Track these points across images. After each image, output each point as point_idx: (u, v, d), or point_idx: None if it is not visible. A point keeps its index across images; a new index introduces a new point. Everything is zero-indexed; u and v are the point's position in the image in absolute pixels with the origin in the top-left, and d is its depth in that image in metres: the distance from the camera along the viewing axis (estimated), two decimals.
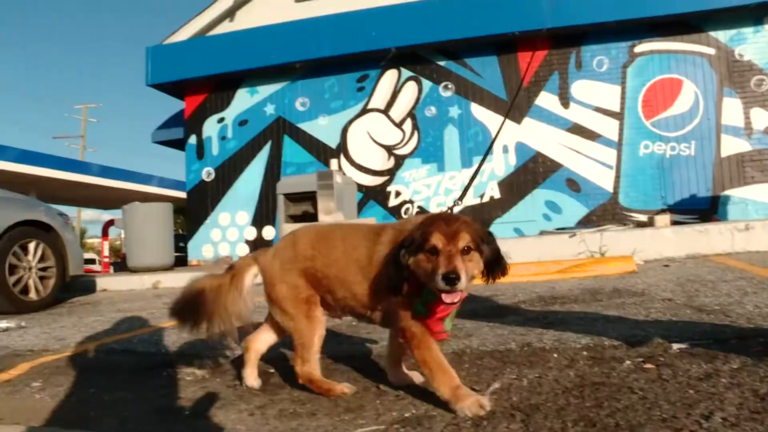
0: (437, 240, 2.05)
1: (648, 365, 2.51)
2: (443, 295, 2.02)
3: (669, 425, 1.82)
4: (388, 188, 12.55)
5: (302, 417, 2.24)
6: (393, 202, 12.47)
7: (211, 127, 13.74)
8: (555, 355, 2.81)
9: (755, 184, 10.91)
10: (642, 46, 11.60)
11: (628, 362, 2.58)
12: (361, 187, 12.12)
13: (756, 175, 10.91)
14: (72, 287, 8.90)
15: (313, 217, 7.45)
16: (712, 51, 11.28)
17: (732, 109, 11.12)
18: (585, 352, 2.82)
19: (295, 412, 2.31)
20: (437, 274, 1.99)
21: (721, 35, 11.25)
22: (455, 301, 2.04)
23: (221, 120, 13.66)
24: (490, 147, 2.89)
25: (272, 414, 2.31)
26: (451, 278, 1.96)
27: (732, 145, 11.07)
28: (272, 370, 3.01)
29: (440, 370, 2.16)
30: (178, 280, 9.38)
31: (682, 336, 2.95)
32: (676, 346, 2.76)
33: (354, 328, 3.88)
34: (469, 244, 2.06)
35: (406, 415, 2.16)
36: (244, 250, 13.09)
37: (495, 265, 2.18)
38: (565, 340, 3.09)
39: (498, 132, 2.84)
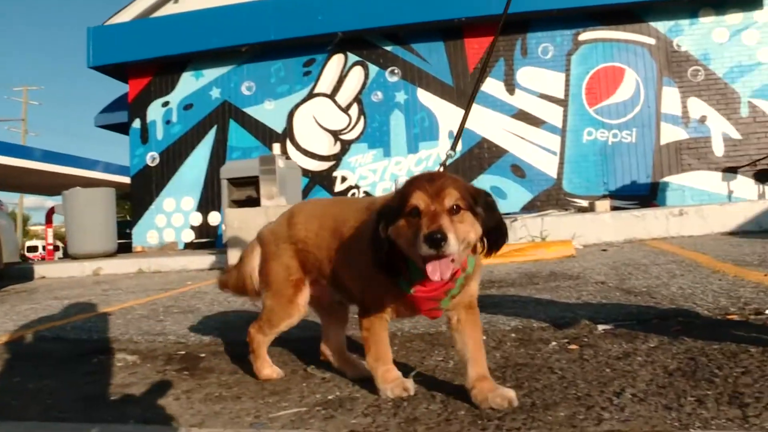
0: (418, 199, 1.72)
1: (572, 346, 2.58)
2: (427, 269, 1.69)
3: (582, 403, 1.88)
4: (334, 173, 12.52)
5: (227, 401, 2.23)
6: (339, 187, 12.45)
7: (155, 111, 13.46)
8: (484, 338, 2.86)
9: (691, 171, 11.25)
10: (586, 35, 11.79)
11: (553, 343, 2.65)
12: (307, 172, 12.06)
13: (692, 162, 11.25)
14: (7, 275, 8.65)
15: (256, 201, 7.41)
16: (652, 41, 11.54)
17: (670, 98, 11.42)
18: (513, 334, 2.89)
19: (221, 396, 2.30)
20: (419, 237, 1.66)
21: (661, 26, 11.52)
22: (444, 277, 1.70)
23: (166, 104, 13.39)
24: (463, 122, 2.83)
25: (198, 398, 2.29)
26: (436, 239, 1.61)
27: (670, 133, 11.38)
28: (203, 355, 2.99)
29: (378, 349, 2.13)
30: (120, 267, 9.22)
31: (608, 317, 3.05)
32: (601, 327, 2.85)
33: None
34: (458, 202, 1.73)
35: (330, 397, 2.17)
36: (189, 236, 12.92)
37: (496, 233, 1.86)
38: (495, 323, 3.15)
39: (468, 108, 2.80)
